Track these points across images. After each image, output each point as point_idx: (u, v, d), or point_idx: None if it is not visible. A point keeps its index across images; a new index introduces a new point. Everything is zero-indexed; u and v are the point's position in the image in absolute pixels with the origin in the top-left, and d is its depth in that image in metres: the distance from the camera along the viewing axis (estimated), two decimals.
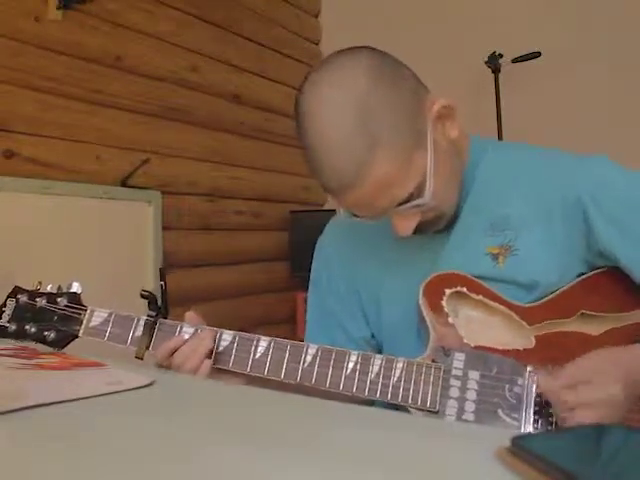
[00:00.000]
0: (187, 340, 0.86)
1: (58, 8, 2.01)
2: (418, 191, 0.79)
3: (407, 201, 0.79)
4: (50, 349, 0.87)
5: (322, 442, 0.46)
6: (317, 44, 3.39)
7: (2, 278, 0.96)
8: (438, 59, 2.71)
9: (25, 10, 1.95)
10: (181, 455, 0.42)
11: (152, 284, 2.20)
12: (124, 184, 2.20)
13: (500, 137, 2.53)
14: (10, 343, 0.89)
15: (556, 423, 0.76)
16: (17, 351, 0.82)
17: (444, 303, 0.84)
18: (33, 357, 0.79)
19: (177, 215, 2.44)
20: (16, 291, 0.93)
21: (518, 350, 0.81)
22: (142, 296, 0.88)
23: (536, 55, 2.53)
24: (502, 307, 0.84)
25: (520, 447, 0.39)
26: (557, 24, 2.63)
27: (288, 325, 2.94)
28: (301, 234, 2.85)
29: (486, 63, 2.62)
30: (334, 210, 2.75)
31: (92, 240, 1.98)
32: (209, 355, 0.84)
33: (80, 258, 1.88)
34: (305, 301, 3.05)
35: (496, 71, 2.60)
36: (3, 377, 0.65)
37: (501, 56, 2.59)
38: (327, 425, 0.51)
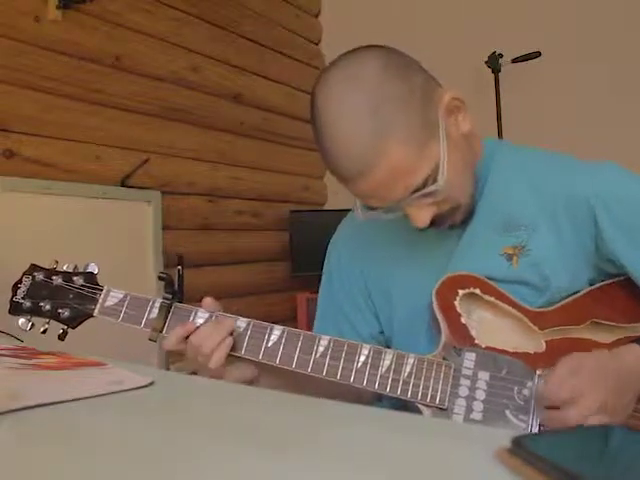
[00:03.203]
0: (202, 324, 0.86)
1: (58, 8, 2.01)
2: (432, 179, 0.80)
3: (421, 187, 0.80)
4: (49, 349, 0.87)
5: (323, 442, 0.46)
6: (317, 44, 3.39)
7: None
8: (438, 59, 2.69)
9: (25, 10, 1.95)
10: (181, 455, 0.42)
11: (153, 284, 2.20)
12: (124, 184, 2.20)
13: (500, 137, 2.52)
14: (10, 343, 0.89)
15: None
16: (17, 351, 0.82)
17: (457, 304, 0.85)
18: (32, 357, 0.78)
19: (178, 213, 2.44)
20: (32, 269, 0.93)
21: (528, 353, 0.81)
22: (159, 278, 0.89)
23: (536, 55, 2.53)
24: (514, 310, 0.85)
25: (520, 447, 0.39)
26: (557, 24, 2.63)
27: (289, 325, 2.93)
28: (301, 234, 2.85)
29: (486, 63, 2.62)
30: (334, 210, 2.75)
31: (92, 240, 1.98)
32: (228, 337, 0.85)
33: (80, 258, 1.88)
34: (305, 301, 3.06)
35: (496, 71, 2.60)
36: (3, 377, 0.65)
37: (501, 56, 2.59)
38: (328, 425, 0.51)
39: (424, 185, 0.80)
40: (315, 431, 0.49)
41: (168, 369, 2.15)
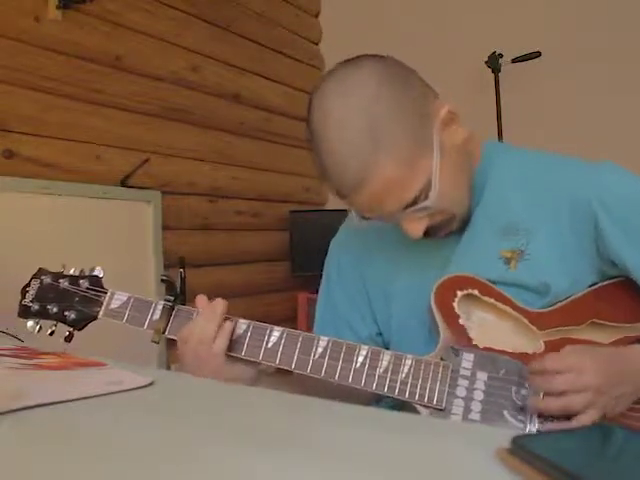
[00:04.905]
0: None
1: (58, 8, 2.01)
2: (424, 194, 0.81)
3: (414, 203, 0.81)
4: (49, 349, 0.87)
5: (322, 442, 0.46)
6: (317, 44, 3.39)
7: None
8: (438, 59, 2.70)
9: (25, 10, 1.95)
10: (181, 455, 0.42)
11: (153, 284, 2.20)
12: (124, 184, 2.21)
13: (500, 137, 2.53)
14: (10, 343, 0.89)
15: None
16: (17, 351, 0.82)
17: (455, 305, 0.85)
18: (33, 357, 0.79)
19: (177, 213, 2.44)
20: (40, 272, 0.96)
21: (527, 354, 0.81)
22: (162, 280, 0.90)
23: (536, 55, 2.53)
24: (513, 311, 0.85)
25: (520, 447, 0.39)
26: (557, 24, 2.63)
27: (288, 325, 2.92)
28: (301, 234, 2.85)
29: (486, 63, 2.62)
30: (334, 210, 2.75)
31: (92, 240, 1.98)
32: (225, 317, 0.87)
33: (80, 258, 1.88)
34: (306, 301, 3.07)
35: (496, 71, 2.60)
36: (3, 377, 0.65)
37: (501, 56, 2.59)
38: (327, 425, 0.51)
39: (416, 200, 0.80)
40: (314, 431, 0.49)
41: (168, 369, 2.15)
